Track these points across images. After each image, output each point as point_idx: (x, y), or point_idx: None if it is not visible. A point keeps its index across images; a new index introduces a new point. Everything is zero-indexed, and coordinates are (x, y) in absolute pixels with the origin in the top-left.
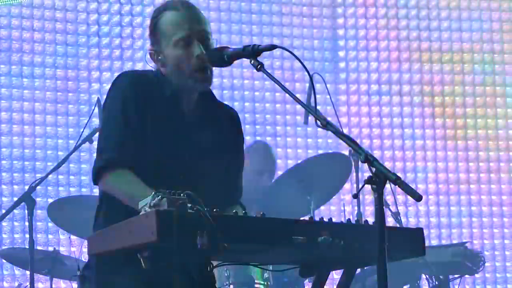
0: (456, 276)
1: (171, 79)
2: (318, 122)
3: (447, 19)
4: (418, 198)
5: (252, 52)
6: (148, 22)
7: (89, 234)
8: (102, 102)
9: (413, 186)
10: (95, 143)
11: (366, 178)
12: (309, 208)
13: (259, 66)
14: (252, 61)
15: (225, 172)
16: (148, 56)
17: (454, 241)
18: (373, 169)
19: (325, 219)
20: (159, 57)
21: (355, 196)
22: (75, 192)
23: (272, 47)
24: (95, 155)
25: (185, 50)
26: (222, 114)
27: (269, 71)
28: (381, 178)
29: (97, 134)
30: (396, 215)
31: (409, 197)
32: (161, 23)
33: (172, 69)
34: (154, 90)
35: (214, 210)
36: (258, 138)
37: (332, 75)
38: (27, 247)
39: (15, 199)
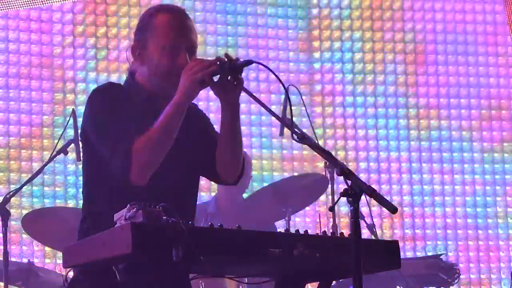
0: None
1: (143, 86)
2: (294, 136)
3: (422, 31)
4: (393, 210)
5: (229, 69)
6: (124, 32)
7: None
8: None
9: (388, 198)
10: (70, 155)
11: (342, 190)
12: (284, 219)
13: (237, 83)
14: (230, 77)
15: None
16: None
17: (429, 253)
18: (349, 182)
19: (301, 231)
20: (141, 54)
21: (331, 209)
22: (50, 203)
23: (249, 62)
24: (70, 166)
25: (170, 56)
26: (190, 114)
27: (244, 83)
28: (356, 191)
29: (72, 146)
30: (371, 227)
31: (384, 209)
32: (153, 22)
33: (151, 70)
34: (129, 98)
35: (190, 222)
36: None
37: (307, 87)
38: (1, 259)
39: None
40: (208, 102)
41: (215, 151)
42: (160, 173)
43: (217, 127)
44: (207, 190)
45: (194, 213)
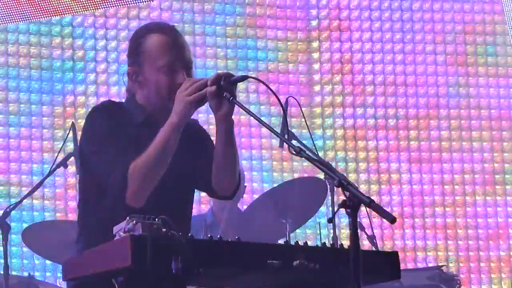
0: None
1: (143, 106)
2: (292, 150)
3: (421, 42)
4: (392, 220)
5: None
6: (123, 46)
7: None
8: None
9: (388, 209)
10: (70, 168)
11: (340, 202)
12: (284, 232)
13: (231, 98)
14: (225, 93)
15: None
16: (125, 75)
17: (430, 264)
18: (347, 193)
19: (301, 243)
20: (138, 78)
21: (330, 220)
22: (50, 217)
23: (243, 78)
24: (70, 179)
25: (168, 76)
26: (190, 133)
27: (244, 95)
28: (355, 201)
29: (72, 159)
30: (371, 238)
31: (384, 220)
32: (146, 45)
33: (151, 93)
34: (128, 118)
35: (190, 234)
36: None
37: (307, 98)
38: (1, 272)
39: None
40: (208, 115)
41: (211, 164)
42: (156, 188)
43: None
44: (207, 202)
45: (189, 227)
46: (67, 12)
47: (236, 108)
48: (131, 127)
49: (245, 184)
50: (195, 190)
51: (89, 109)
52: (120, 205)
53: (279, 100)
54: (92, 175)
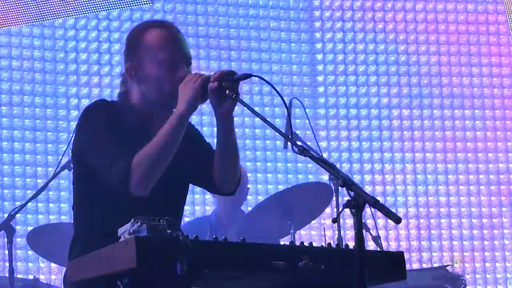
0: None
1: (136, 106)
2: (295, 149)
3: (425, 42)
4: (397, 220)
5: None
6: None
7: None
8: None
9: (393, 210)
10: None
11: (345, 202)
12: (289, 232)
13: (234, 96)
14: (228, 91)
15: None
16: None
17: (435, 265)
18: (352, 193)
19: (306, 244)
20: (138, 73)
21: (334, 220)
22: (55, 219)
23: (247, 76)
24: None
25: (169, 69)
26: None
27: (248, 96)
28: (359, 201)
29: None
30: (376, 239)
31: (389, 221)
32: (146, 39)
33: (151, 87)
34: (122, 117)
35: (195, 236)
36: None
37: (310, 99)
38: (6, 275)
39: None
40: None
41: (211, 162)
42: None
43: (211, 141)
44: (211, 204)
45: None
46: (70, 15)
47: (241, 109)
48: (126, 126)
49: (248, 186)
50: (200, 192)
51: None
52: (124, 194)
53: (282, 98)
54: (89, 172)
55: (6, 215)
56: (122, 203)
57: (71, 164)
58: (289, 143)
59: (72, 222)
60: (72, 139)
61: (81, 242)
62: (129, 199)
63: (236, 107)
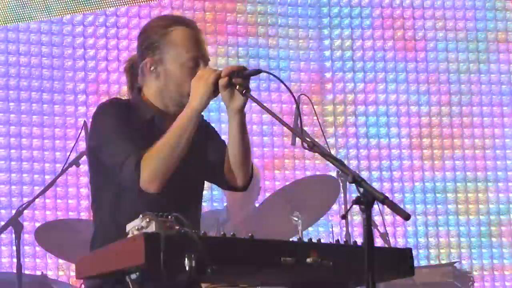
0: None
1: (150, 101)
2: (305, 144)
3: (433, 39)
4: (406, 217)
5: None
6: (134, 44)
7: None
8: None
9: (401, 207)
10: (82, 167)
11: (354, 198)
12: (297, 229)
13: (244, 91)
14: (238, 86)
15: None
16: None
17: (443, 262)
18: (361, 190)
19: (314, 240)
20: (157, 69)
21: (343, 217)
22: (62, 216)
23: (257, 71)
24: (83, 178)
25: (191, 71)
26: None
27: (256, 93)
28: (369, 198)
29: (84, 158)
30: (384, 236)
31: (397, 217)
32: (172, 36)
33: (170, 85)
34: (135, 115)
35: (203, 232)
36: None
37: (318, 96)
38: (14, 271)
39: (2, 223)
40: (220, 113)
41: (224, 157)
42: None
43: (225, 137)
44: (219, 200)
45: (198, 223)
46: (78, 11)
47: (248, 106)
48: (139, 124)
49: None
50: (207, 188)
51: None
52: (137, 191)
53: (292, 94)
54: (105, 170)
55: (14, 211)
56: (138, 200)
57: (79, 161)
58: (297, 139)
59: (92, 219)
60: (82, 136)
61: (100, 240)
62: (145, 196)
63: None
